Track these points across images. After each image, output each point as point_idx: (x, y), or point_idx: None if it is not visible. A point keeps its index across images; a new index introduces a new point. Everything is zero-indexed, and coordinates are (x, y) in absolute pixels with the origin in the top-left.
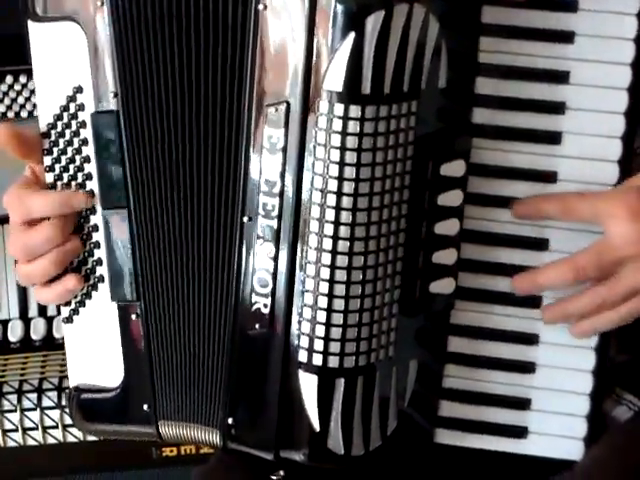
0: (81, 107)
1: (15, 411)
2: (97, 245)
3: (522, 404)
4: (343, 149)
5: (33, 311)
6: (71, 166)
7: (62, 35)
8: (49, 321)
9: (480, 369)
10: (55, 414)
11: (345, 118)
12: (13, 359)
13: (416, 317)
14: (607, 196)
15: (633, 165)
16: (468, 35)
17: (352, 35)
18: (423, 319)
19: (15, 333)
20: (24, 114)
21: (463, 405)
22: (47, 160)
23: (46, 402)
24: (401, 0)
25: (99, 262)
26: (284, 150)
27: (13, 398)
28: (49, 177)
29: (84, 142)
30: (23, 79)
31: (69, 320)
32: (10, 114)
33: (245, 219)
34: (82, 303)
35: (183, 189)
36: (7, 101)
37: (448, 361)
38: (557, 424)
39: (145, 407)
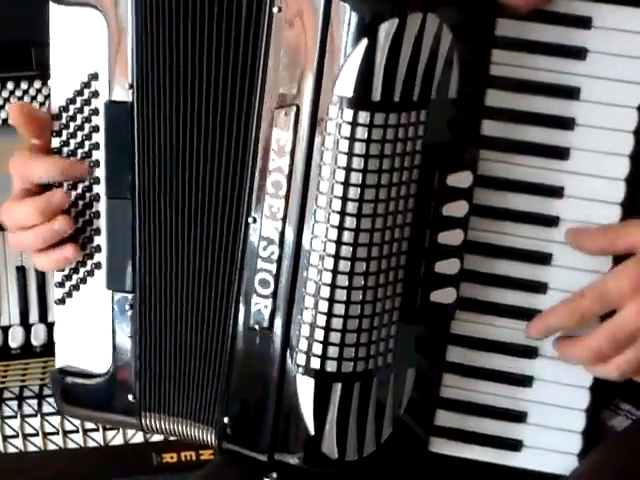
0: (95, 94)
1: (16, 417)
2: (98, 232)
3: (518, 417)
4: (350, 154)
5: (34, 317)
6: (79, 151)
7: (82, 21)
8: (50, 327)
9: (478, 380)
10: (55, 420)
11: (354, 124)
12: (14, 365)
13: (416, 325)
14: (611, 279)
15: None
16: (481, 47)
17: (364, 42)
18: (423, 328)
19: (16, 339)
20: None
21: (459, 415)
22: (55, 142)
23: (47, 408)
24: (415, 9)
25: (98, 249)
26: (292, 153)
27: (14, 404)
28: None
29: (95, 129)
30: (24, 85)
31: (62, 302)
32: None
33: (250, 220)
34: (77, 287)
35: (189, 185)
36: (8, 107)
37: (446, 370)
38: (552, 439)
39: (130, 397)
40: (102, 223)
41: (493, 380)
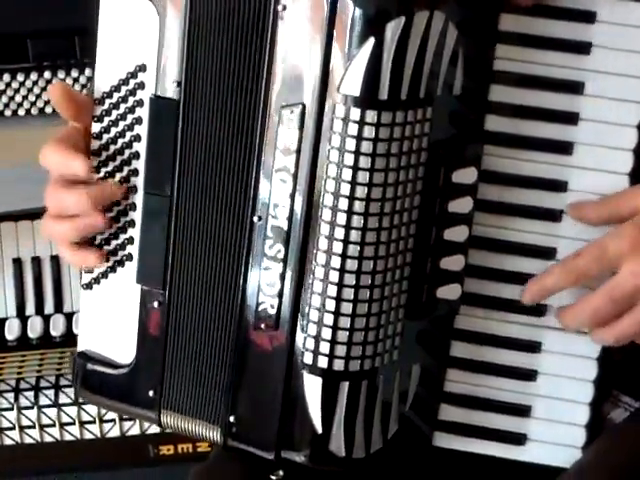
0: (141, 85)
1: (12, 409)
2: (132, 224)
3: (522, 411)
4: (357, 153)
5: (30, 309)
6: (120, 140)
7: (134, 11)
8: (46, 319)
9: (482, 375)
10: (52, 412)
11: (361, 123)
12: (10, 357)
13: (421, 321)
14: (609, 239)
15: None
16: (485, 42)
17: (371, 40)
18: (426, 323)
19: (12, 331)
20: (21, 112)
21: (463, 410)
22: (96, 127)
23: (43, 400)
24: (421, 7)
25: (130, 240)
26: (298, 152)
27: (10, 396)
28: (95, 144)
29: (138, 121)
30: (21, 77)
31: (88, 287)
32: (7, 112)
33: (255, 219)
34: (105, 275)
35: (216, 185)
36: (5, 99)
37: (450, 365)
38: (557, 432)
39: (151, 393)
40: (137, 216)
41: (497, 374)
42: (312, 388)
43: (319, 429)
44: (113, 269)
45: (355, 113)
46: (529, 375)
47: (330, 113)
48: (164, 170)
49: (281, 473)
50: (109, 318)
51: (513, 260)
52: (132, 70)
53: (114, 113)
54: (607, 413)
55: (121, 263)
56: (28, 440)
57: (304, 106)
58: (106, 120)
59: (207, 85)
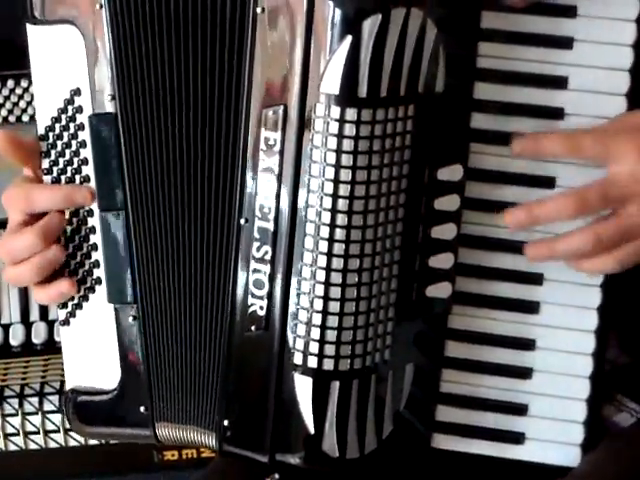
0: (79, 109)
1: (17, 415)
2: (95, 247)
3: (519, 410)
4: (339, 152)
5: (34, 315)
6: (69, 168)
7: (60, 38)
8: (50, 325)
9: (477, 374)
10: (56, 418)
11: (341, 121)
12: (14, 363)
13: (413, 321)
14: (615, 134)
15: None
16: (467, 40)
17: (349, 38)
18: (421, 323)
19: (16, 337)
20: (25, 118)
21: (460, 410)
22: (45, 163)
23: (48, 406)
24: (398, 4)
25: (96, 264)
26: (281, 153)
27: (14, 402)
28: (47, 179)
29: (82, 144)
30: (24, 83)
31: (66, 323)
32: (11, 118)
33: (242, 221)
34: (79, 306)
35: (180, 191)
36: (8, 105)
37: (445, 366)
38: (554, 430)
39: (142, 409)
40: (98, 238)
41: (493, 373)
42: (303, 388)
43: (311, 429)
44: (85, 297)
45: (335, 111)
46: (524, 373)
47: (311, 112)
48: (114, 185)
49: (277, 476)
50: (91, 347)
51: (504, 257)
52: (68, 97)
53: (59, 144)
54: (610, 416)
55: (92, 289)
56: (32, 446)
57: (286, 107)
58: (53, 153)
59: (146, 93)
